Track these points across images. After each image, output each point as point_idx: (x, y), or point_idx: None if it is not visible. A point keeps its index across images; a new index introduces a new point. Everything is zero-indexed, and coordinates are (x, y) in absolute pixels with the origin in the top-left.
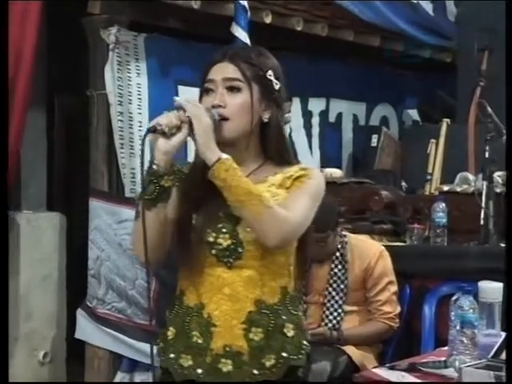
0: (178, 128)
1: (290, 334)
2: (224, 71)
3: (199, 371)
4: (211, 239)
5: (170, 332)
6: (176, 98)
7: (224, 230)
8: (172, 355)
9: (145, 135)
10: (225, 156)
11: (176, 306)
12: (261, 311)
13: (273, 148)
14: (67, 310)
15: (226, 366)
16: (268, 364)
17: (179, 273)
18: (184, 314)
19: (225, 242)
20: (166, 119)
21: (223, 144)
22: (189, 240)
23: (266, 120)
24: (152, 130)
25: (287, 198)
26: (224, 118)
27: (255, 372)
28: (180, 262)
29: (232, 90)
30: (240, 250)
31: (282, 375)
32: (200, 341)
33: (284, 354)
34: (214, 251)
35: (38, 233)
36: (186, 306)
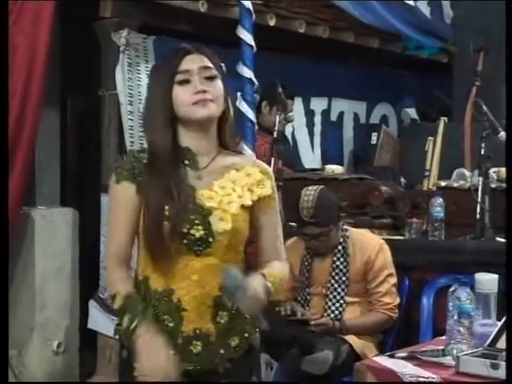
0: None
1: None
2: (198, 61)
3: (171, 352)
4: (184, 230)
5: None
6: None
7: (197, 222)
8: None
9: None
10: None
11: (142, 290)
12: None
13: (228, 134)
14: (80, 301)
15: (196, 348)
16: (233, 344)
17: (141, 258)
18: (152, 298)
19: (197, 232)
20: None
21: (200, 128)
22: (162, 231)
23: (225, 106)
24: None
25: (272, 231)
26: (211, 100)
27: (222, 351)
28: (151, 250)
29: (209, 78)
30: (211, 239)
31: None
32: (171, 324)
33: (246, 335)
34: (185, 241)
35: (52, 227)
36: (153, 291)
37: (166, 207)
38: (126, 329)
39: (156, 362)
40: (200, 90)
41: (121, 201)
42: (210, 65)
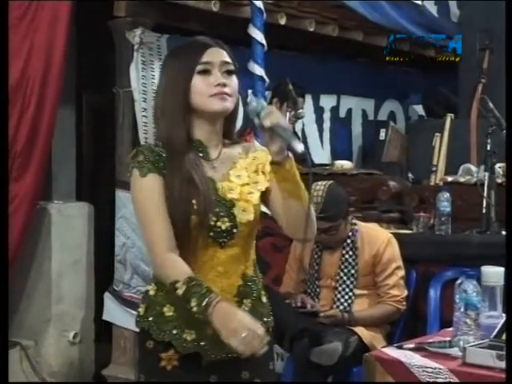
0: None
1: (264, 300)
2: (220, 55)
3: (202, 343)
4: (211, 223)
5: (167, 309)
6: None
7: (222, 214)
8: (174, 331)
9: None
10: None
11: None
12: (246, 283)
13: (233, 126)
14: (95, 293)
15: None
16: None
17: None
18: None
19: (223, 225)
20: None
21: (212, 121)
22: (190, 224)
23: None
24: None
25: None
26: (229, 95)
27: None
28: (178, 243)
29: (228, 72)
30: (235, 231)
31: None
32: (201, 316)
33: (265, 319)
34: (212, 233)
35: (68, 221)
36: None
37: (194, 201)
38: (197, 311)
39: (241, 320)
40: (221, 82)
41: (152, 191)
42: (230, 60)
